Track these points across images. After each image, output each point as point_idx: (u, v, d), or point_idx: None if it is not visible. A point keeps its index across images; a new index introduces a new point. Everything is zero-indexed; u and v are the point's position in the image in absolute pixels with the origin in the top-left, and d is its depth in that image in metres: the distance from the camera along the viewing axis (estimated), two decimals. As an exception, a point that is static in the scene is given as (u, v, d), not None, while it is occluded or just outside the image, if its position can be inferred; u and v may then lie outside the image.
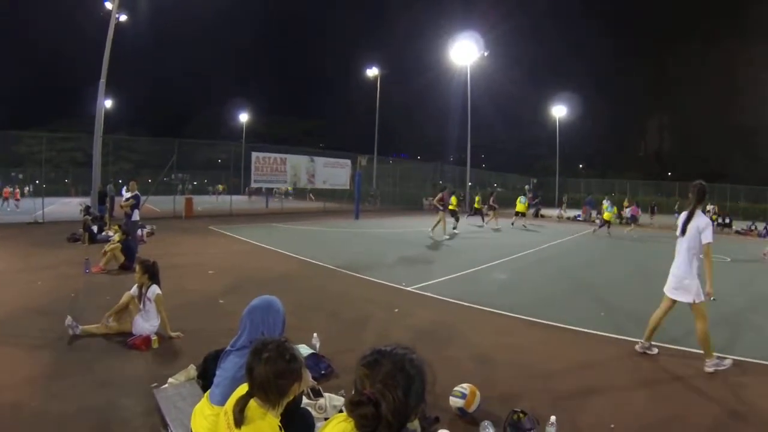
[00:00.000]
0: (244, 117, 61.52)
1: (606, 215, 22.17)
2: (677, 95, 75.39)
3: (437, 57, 41.75)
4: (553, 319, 7.28)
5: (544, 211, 35.25)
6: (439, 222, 17.74)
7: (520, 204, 23.84)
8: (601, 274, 12.15)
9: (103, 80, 19.79)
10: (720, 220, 27.79)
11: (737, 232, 26.71)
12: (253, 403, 2.14)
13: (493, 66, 46.66)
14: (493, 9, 70.89)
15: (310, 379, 3.28)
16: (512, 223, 23.77)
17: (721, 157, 65.90)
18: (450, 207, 20.06)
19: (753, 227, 25.98)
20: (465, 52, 36.22)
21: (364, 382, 1.60)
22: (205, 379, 3.81)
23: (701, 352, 5.71)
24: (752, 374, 5.53)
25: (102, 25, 20.25)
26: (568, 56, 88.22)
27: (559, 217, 33.22)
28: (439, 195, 18.31)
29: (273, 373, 2.10)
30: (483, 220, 24.18)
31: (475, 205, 24.19)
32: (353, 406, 1.59)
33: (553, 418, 3.77)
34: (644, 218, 30.42)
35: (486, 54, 37.58)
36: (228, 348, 2.88)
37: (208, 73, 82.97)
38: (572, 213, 34.17)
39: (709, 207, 24.15)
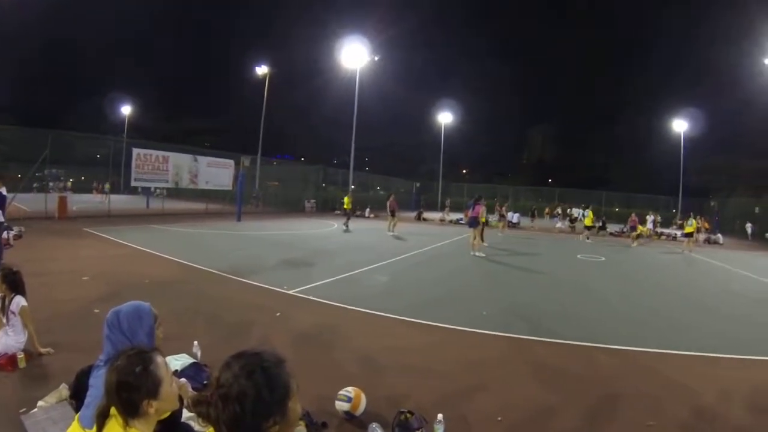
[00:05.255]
0: (126, 110, 57.90)
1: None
2: (561, 106, 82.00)
3: (331, 60, 41.54)
4: (436, 319, 7.48)
5: (426, 215, 36.19)
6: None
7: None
8: (480, 275, 12.65)
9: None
10: (598, 224, 29.95)
11: (611, 234, 29.00)
12: (115, 412, 1.95)
13: (384, 70, 47.33)
14: (385, 15, 72.11)
15: (190, 390, 3.17)
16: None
17: (599, 167, 72.13)
18: (345, 207, 24.34)
19: (625, 230, 28.08)
20: (356, 55, 36.50)
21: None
22: (78, 399, 3.49)
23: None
24: (630, 361, 6.15)
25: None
26: (457, 63, 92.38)
27: (442, 220, 34.19)
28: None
29: (116, 384, 1.91)
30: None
31: (345, 206, 24.55)
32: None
33: (440, 415, 3.89)
34: (525, 221, 32.29)
35: (377, 58, 38.10)
36: (97, 362, 2.65)
37: (91, 63, 77.20)
38: (455, 216, 35.26)
39: (587, 211, 26.10)
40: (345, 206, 24.66)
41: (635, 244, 23.93)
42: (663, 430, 4.25)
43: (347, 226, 23.54)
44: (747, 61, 39.81)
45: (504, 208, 28.83)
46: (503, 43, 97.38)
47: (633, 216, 25.90)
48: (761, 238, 32.43)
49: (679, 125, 45.25)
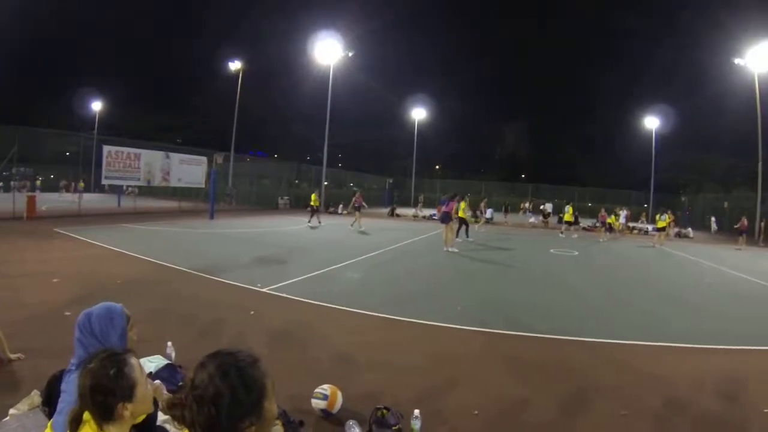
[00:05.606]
0: (97, 106, 56.60)
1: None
2: (534, 103, 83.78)
3: (304, 56, 41.33)
4: (411, 315, 7.52)
5: (399, 211, 36.25)
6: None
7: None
8: (454, 270, 12.74)
9: None
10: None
11: (584, 228, 29.42)
12: (88, 417, 1.91)
13: (357, 67, 47.24)
14: (358, 12, 72.34)
15: (165, 392, 3.13)
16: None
17: (571, 163, 73.75)
18: (312, 204, 23.98)
19: (597, 225, 28.51)
20: (329, 51, 36.42)
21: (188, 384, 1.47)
22: (51, 406, 3.39)
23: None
24: (603, 353, 6.27)
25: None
26: (430, 60, 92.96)
27: (415, 216, 34.29)
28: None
29: (90, 387, 1.86)
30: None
31: (312, 203, 24.67)
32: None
33: (416, 411, 3.89)
34: (498, 217, 32.63)
35: (350, 54, 38.06)
36: (69, 367, 2.56)
37: (60, 59, 75.13)
38: (428, 212, 35.37)
39: (567, 207, 26.44)
40: (312, 203, 24.54)
41: (604, 238, 24.45)
42: (636, 420, 4.35)
43: (319, 221, 23.80)
44: (717, 59, 40.90)
45: (483, 205, 29.04)
46: (476, 41, 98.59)
47: (602, 211, 26.38)
48: (726, 232, 33.15)
49: (651, 122, 46.35)
